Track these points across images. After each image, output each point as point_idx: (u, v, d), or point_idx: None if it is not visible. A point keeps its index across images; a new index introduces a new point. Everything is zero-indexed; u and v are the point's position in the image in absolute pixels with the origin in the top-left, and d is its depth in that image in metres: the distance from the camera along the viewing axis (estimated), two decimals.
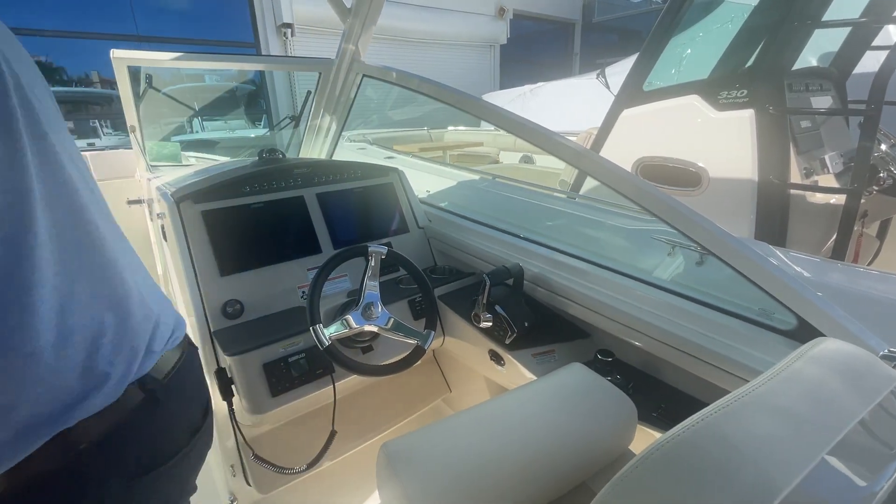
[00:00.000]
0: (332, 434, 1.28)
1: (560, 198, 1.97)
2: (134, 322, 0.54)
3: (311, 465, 1.27)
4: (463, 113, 1.35)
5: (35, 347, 0.45)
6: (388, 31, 9.06)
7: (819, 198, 2.29)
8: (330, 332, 1.13)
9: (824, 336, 0.76)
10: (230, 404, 1.18)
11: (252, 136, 6.64)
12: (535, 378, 1.16)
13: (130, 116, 2.01)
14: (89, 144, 6.04)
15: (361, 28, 1.70)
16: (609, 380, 0.94)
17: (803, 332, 0.89)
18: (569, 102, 5.56)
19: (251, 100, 7.88)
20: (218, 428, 1.30)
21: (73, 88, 8.91)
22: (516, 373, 1.24)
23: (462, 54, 11.12)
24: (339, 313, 1.24)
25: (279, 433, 1.43)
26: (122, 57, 1.73)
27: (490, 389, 1.59)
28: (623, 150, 2.78)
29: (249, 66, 2.17)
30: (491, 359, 1.30)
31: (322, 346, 1.11)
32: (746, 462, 0.43)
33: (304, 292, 1.44)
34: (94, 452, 0.51)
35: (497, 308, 1.25)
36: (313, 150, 2.23)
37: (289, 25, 7.91)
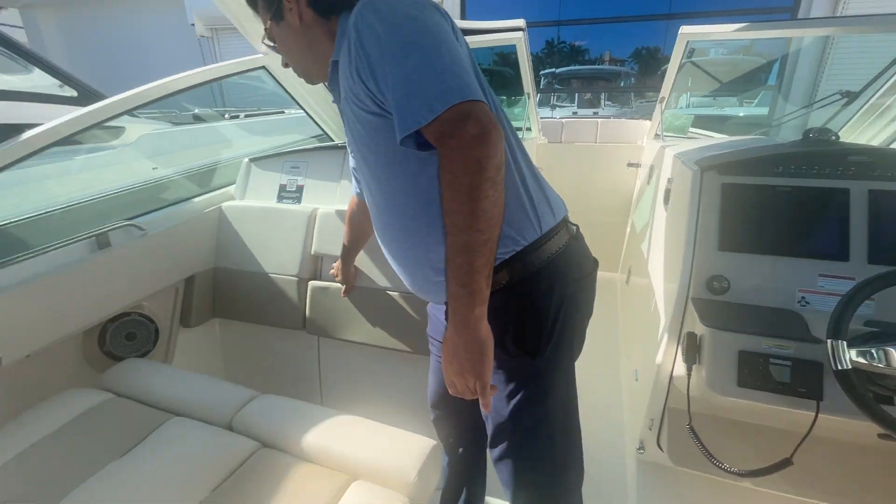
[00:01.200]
0: (785, 462, 1.11)
1: None
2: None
3: (741, 474, 1.16)
4: None
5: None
6: None
7: None
8: (852, 356, 0.93)
9: None
10: (689, 369, 1.22)
11: (741, 114, 6.05)
12: None
13: (665, 88, 2.22)
14: (594, 113, 7.34)
15: None
16: None
17: None
18: None
19: (753, 75, 7.06)
20: (656, 382, 1.38)
21: (591, 66, 10.91)
22: None
23: None
24: (865, 341, 0.99)
25: (711, 422, 1.38)
26: (687, 32, 1.88)
27: None
28: None
29: (820, 32, 1.86)
30: None
31: (836, 367, 0.93)
32: None
33: (803, 297, 1.24)
34: (560, 258, 0.84)
35: None
36: (862, 134, 1.77)
37: None
